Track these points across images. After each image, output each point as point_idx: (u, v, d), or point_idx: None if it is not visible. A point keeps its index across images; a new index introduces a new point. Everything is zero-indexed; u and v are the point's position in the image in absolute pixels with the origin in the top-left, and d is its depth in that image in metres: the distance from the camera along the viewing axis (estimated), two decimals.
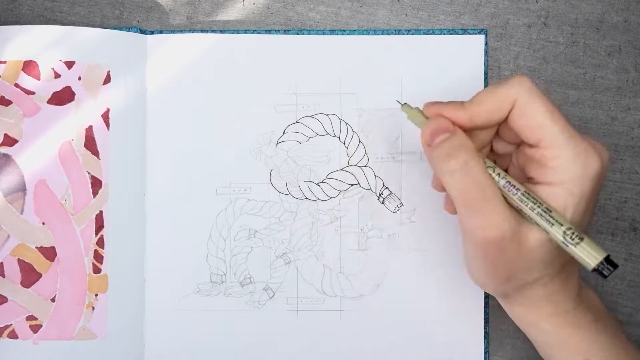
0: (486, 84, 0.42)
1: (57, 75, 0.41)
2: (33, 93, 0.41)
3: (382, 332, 0.41)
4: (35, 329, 0.41)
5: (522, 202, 0.31)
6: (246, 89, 0.42)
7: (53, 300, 0.41)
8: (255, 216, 0.42)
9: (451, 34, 0.42)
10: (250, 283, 0.42)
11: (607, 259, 0.30)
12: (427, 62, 0.42)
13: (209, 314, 0.41)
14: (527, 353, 0.42)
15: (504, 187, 0.32)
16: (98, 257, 0.41)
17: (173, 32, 0.42)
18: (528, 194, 0.32)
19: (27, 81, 0.41)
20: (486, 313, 0.42)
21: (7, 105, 0.41)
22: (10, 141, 0.41)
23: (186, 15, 0.43)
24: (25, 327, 0.41)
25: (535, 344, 0.36)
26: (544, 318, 0.34)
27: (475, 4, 0.42)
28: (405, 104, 0.35)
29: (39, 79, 0.41)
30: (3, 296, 0.41)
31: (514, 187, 0.32)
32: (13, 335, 0.40)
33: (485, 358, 0.42)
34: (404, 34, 0.42)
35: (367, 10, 0.42)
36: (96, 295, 0.41)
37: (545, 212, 0.31)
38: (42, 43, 0.40)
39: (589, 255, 0.30)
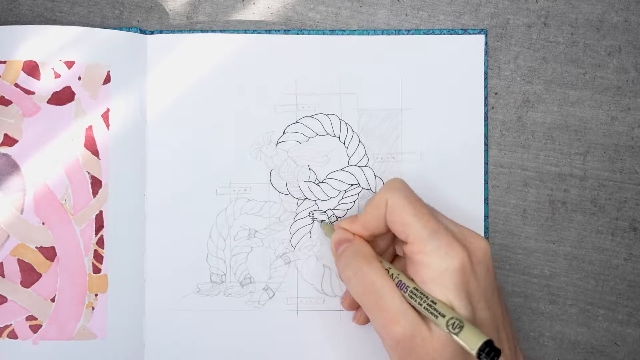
0: (486, 84, 0.42)
1: (57, 75, 0.41)
2: (33, 93, 0.41)
3: None
4: (35, 329, 0.40)
5: (412, 298, 0.32)
6: (246, 89, 0.42)
7: (53, 300, 0.41)
8: (255, 216, 0.42)
9: (451, 34, 0.42)
10: (250, 283, 0.42)
11: (489, 344, 0.29)
12: (427, 62, 0.42)
13: (209, 314, 0.41)
14: (527, 353, 0.42)
15: (398, 286, 0.33)
16: (98, 257, 0.41)
17: (173, 32, 0.42)
18: (416, 289, 0.32)
19: (27, 81, 0.41)
20: None
21: (7, 105, 0.41)
22: (10, 141, 0.41)
23: (186, 15, 0.43)
24: (25, 327, 0.41)
25: None
26: None
27: (475, 4, 0.42)
28: (322, 221, 0.41)
29: (39, 79, 0.41)
30: (3, 296, 0.41)
31: (404, 284, 0.33)
32: (13, 335, 0.40)
33: None
34: (404, 34, 0.42)
35: (367, 10, 0.42)
36: (96, 295, 0.41)
37: (430, 305, 0.31)
38: (42, 43, 0.40)
39: (470, 342, 0.30)
